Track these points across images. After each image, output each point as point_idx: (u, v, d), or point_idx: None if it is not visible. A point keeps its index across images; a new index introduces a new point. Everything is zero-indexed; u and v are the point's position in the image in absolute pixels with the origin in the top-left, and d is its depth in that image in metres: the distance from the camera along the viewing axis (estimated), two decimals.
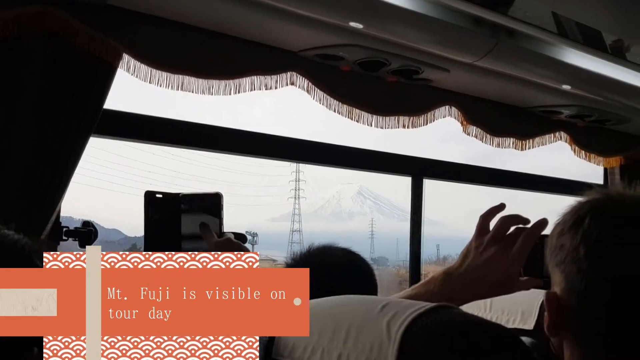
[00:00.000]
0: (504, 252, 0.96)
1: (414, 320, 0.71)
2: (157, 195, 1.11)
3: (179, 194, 1.13)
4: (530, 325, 1.76)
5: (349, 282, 1.17)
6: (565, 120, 2.51)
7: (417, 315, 0.72)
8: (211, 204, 1.13)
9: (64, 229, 1.52)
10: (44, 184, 1.45)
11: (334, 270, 1.20)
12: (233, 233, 1.14)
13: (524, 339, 1.77)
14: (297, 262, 1.25)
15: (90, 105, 1.49)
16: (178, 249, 1.10)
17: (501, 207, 1.01)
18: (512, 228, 0.98)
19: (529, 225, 0.98)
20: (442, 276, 0.99)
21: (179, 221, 1.11)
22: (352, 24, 1.52)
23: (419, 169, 2.36)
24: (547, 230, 0.98)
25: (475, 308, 1.93)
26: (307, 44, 1.71)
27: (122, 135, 1.73)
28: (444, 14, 1.57)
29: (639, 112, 2.46)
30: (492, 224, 1.00)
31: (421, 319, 0.71)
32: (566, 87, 2.05)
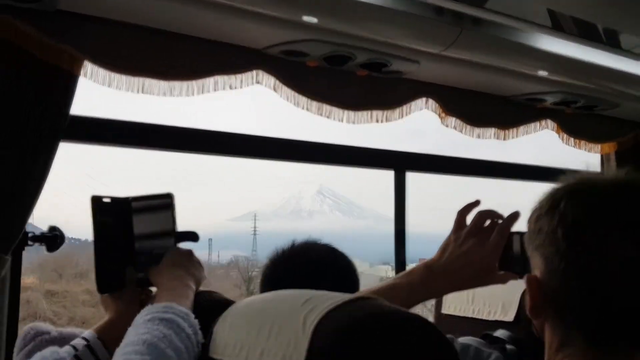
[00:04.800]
0: (481, 243, 1.04)
1: (328, 314, 0.71)
2: (105, 200, 1.10)
3: (128, 197, 1.12)
4: (510, 317, 1.75)
5: (331, 279, 1.18)
6: (550, 107, 2.48)
7: (332, 308, 0.72)
8: (163, 204, 1.13)
9: (29, 235, 1.54)
10: (13, 193, 1.46)
11: (318, 267, 1.21)
12: (185, 232, 1.14)
13: (502, 331, 1.76)
14: (280, 258, 1.25)
15: (53, 112, 1.50)
16: (131, 253, 1.10)
17: (476, 203, 1.09)
18: (487, 222, 1.05)
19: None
20: (423, 268, 1.06)
21: (130, 225, 1.10)
22: (305, 18, 1.52)
23: (402, 163, 2.35)
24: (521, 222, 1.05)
25: (458, 300, 1.93)
26: (269, 41, 1.71)
27: (95, 140, 1.74)
28: (404, 4, 1.56)
29: (627, 96, 2.43)
30: (469, 219, 1.07)
31: (335, 312, 0.71)
32: (543, 73, 2.02)
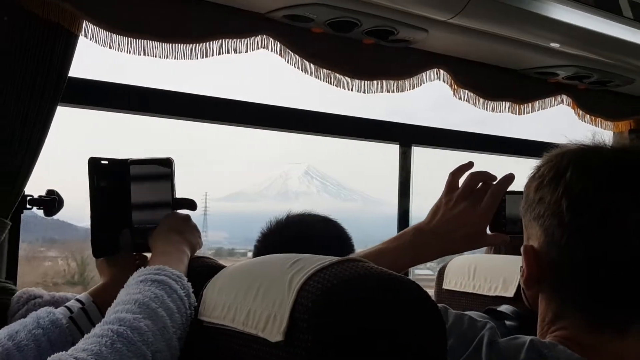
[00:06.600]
0: (473, 206, 1.00)
1: (315, 274, 0.71)
2: (103, 162, 1.09)
3: (127, 159, 1.11)
4: (511, 292, 1.74)
5: (324, 248, 1.17)
6: (564, 82, 2.43)
7: (319, 268, 0.71)
8: (162, 169, 1.12)
9: (28, 198, 1.54)
10: (14, 154, 1.46)
11: (313, 240, 1.20)
12: (182, 199, 1.14)
13: (506, 306, 1.75)
14: (272, 230, 1.25)
15: (52, 73, 1.49)
16: (128, 218, 1.09)
17: (469, 165, 1.05)
18: (480, 184, 1.02)
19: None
20: (413, 231, 1.02)
21: (128, 189, 1.09)
22: None
23: (408, 136, 2.33)
24: (513, 186, 1.03)
25: (459, 276, 1.92)
26: (274, 4, 1.68)
27: (91, 103, 1.74)
28: None
29: None
30: (461, 181, 1.04)
31: (322, 272, 0.71)
32: (554, 45, 1.98)
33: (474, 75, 2.22)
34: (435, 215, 1.02)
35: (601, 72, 2.30)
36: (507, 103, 2.40)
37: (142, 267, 0.93)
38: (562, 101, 2.60)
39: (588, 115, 2.71)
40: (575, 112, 2.68)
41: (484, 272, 1.84)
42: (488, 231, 1.04)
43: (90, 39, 1.52)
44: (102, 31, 1.53)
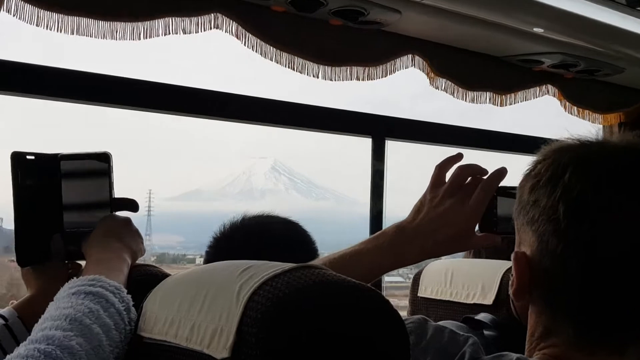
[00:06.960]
0: (461, 203, 0.96)
1: (265, 283, 0.69)
2: (29, 157, 1.04)
3: (58, 154, 1.07)
4: (489, 300, 1.76)
5: (289, 258, 1.16)
6: (549, 71, 2.45)
7: (270, 276, 0.70)
8: (98, 165, 1.09)
9: None
10: None
11: (271, 245, 1.18)
12: (122, 199, 1.11)
13: (484, 314, 1.77)
14: (225, 234, 1.22)
15: None
16: (59, 221, 1.04)
17: (458, 157, 1.01)
18: (469, 179, 0.98)
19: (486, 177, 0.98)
20: (394, 230, 0.99)
21: (58, 188, 1.04)
22: None
23: (381, 129, 2.32)
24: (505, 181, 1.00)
25: (435, 282, 1.94)
26: None
27: (19, 90, 1.68)
28: None
29: (633, 61, 2.42)
30: (448, 175, 1.00)
31: (273, 281, 0.69)
32: (538, 30, 2.00)
33: (452, 62, 2.20)
34: (419, 213, 0.98)
35: (589, 60, 2.31)
36: (488, 93, 2.40)
37: (75, 278, 0.91)
38: (548, 91, 2.62)
39: (575, 107, 2.75)
40: (561, 104, 2.71)
41: (462, 278, 1.85)
42: (477, 231, 1.00)
43: (14, 16, 1.46)
44: (27, 6, 1.46)
